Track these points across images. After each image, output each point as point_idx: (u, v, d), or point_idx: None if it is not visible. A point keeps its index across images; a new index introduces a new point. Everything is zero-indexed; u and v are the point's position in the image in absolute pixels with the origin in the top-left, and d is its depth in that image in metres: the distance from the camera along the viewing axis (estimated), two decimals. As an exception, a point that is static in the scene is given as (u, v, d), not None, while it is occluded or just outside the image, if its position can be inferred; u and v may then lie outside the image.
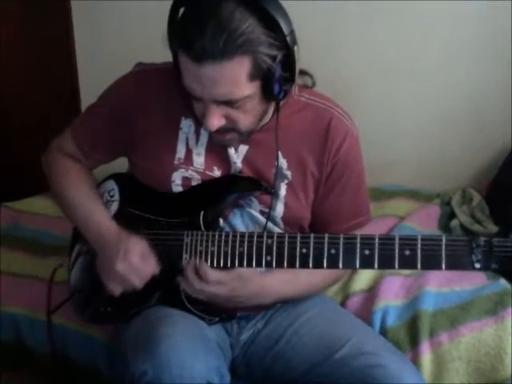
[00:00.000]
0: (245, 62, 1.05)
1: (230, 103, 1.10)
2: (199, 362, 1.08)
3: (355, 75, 2.14)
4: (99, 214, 1.29)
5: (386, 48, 2.11)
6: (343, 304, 1.54)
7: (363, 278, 1.59)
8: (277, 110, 1.19)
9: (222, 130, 1.15)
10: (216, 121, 1.12)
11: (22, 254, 1.75)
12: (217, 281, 1.17)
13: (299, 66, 1.14)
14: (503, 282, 1.53)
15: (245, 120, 1.15)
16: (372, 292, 1.55)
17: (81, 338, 1.48)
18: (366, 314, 1.48)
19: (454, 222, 1.93)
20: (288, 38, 1.07)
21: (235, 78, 1.06)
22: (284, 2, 1.09)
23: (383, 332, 1.45)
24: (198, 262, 1.18)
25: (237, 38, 1.02)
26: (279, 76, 1.09)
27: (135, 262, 1.19)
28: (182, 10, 1.09)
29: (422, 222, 1.90)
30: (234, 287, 1.19)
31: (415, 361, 1.40)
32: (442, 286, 1.53)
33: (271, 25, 1.05)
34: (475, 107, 2.12)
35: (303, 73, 1.23)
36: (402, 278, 1.59)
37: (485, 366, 1.39)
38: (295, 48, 1.09)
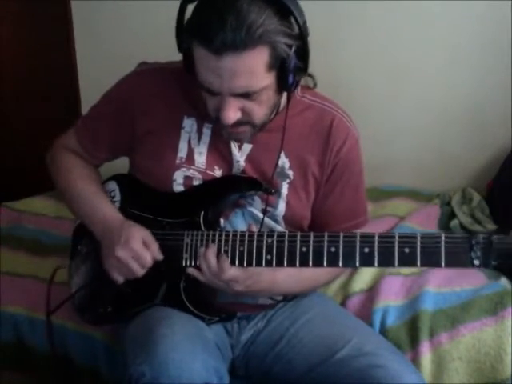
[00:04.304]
0: (264, 52, 1.06)
1: (247, 95, 1.11)
2: (197, 363, 1.07)
3: (355, 75, 2.14)
4: (104, 206, 1.30)
5: (386, 48, 2.11)
6: (343, 304, 1.54)
7: (363, 277, 1.59)
8: (288, 100, 1.19)
9: (236, 124, 1.15)
10: (233, 114, 1.12)
11: (22, 254, 1.75)
12: (233, 278, 1.17)
13: None
14: (503, 282, 1.53)
15: (259, 112, 1.15)
16: (372, 292, 1.55)
17: (81, 337, 1.48)
18: (366, 313, 1.48)
19: (454, 222, 1.93)
20: (302, 28, 1.10)
21: (254, 68, 1.07)
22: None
23: (383, 332, 1.45)
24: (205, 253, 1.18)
25: (256, 28, 1.03)
26: (294, 66, 1.11)
27: (136, 247, 1.19)
28: (194, 5, 1.10)
29: (422, 222, 1.90)
30: (248, 285, 1.19)
31: (415, 361, 1.40)
32: (442, 286, 1.53)
33: (287, 15, 1.08)
34: (475, 107, 2.12)
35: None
36: (402, 277, 1.59)
37: (485, 366, 1.39)
38: (308, 38, 1.11)
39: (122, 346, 1.25)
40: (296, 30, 1.09)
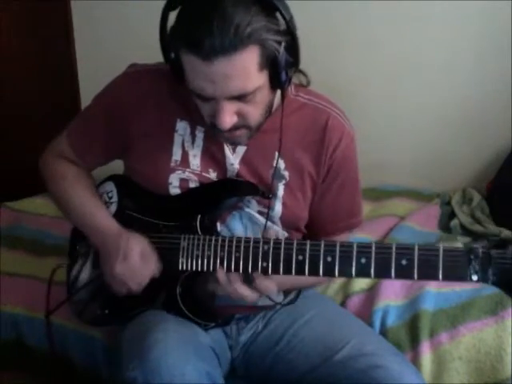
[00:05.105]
0: (254, 51, 1.04)
1: (241, 97, 1.09)
2: (190, 368, 1.07)
3: (355, 75, 2.14)
4: (100, 214, 1.29)
5: (386, 48, 2.11)
6: (343, 304, 1.54)
7: (363, 277, 1.59)
8: (282, 98, 1.18)
9: (232, 128, 1.13)
10: (229, 118, 1.10)
11: (22, 254, 1.75)
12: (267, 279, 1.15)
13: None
14: (503, 281, 1.53)
15: (255, 113, 1.14)
16: (372, 292, 1.55)
17: (80, 337, 1.48)
18: (366, 313, 1.48)
19: (454, 222, 1.93)
20: (290, 23, 1.08)
21: (247, 69, 1.05)
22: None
23: (383, 332, 1.45)
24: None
25: (244, 28, 1.01)
26: (285, 62, 1.09)
27: (134, 264, 1.19)
28: (177, 12, 1.09)
29: (422, 222, 1.90)
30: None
31: (415, 361, 1.40)
32: (442, 286, 1.53)
33: (273, 12, 1.06)
34: (475, 107, 2.12)
35: (298, 71, 1.22)
36: (402, 277, 1.59)
37: (485, 365, 1.39)
38: (296, 33, 1.10)
39: (119, 348, 1.25)
40: (283, 25, 1.08)
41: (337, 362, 1.20)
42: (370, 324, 1.45)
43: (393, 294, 1.53)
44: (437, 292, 1.51)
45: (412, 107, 2.17)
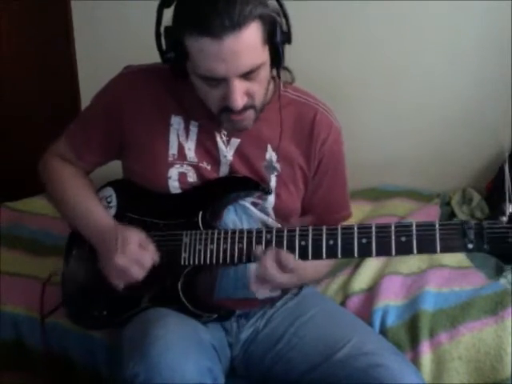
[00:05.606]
0: (258, 27, 1.10)
1: (249, 74, 1.13)
2: (191, 364, 1.07)
3: (356, 76, 2.14)
4: (96, 212, 1.30)
5: (387, 48, 2.11)
6: (343, 304, 1.54)
7: (363, 277, 1.60)
8: (278, 76, 1.23)
9: (242, 109, 1.17)
10: (240, 97, 1.14)
11: (22, 254, 1.76)
12: (293, 269, 1.16)
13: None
14: (503, 281, 1.53)
15: (260, 92, 1.18)
16: (372, 292, 1.55)
17: (80, 337, 1.48)
18: (366, 313, 1.48)
19: (454, 222, 1.92)
20: (281, 2, 1.15)
21: (253, 44, 1.11)
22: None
23: (383, 332, 1.44)
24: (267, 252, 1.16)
25: (246, 6, 1.07)
26: (281, 38, 1.15)
27: (134, 251, 1.20)
28: (175, 5, 1.13)
29: (422, 222, 1.89)
30: (299, 274, 1.19)
31: (415, 361, 1.40)
32: (442, 286, 1.53)
33: None
34: (475, 107, 2.12)
35: (283, 68, 1.25)
36: (402, 277, 1.59)
37: (485, 365, 1.38)
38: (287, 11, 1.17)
39: (119, 347, 1.25)
40: (275, 5, 1.14)
41: (337, 361, 1.20)
42: (370, 324, 1.45)
43: (392, 294, 1.53)
44: (436, 292, 1.51)
45: (412, 107, 2.16)
